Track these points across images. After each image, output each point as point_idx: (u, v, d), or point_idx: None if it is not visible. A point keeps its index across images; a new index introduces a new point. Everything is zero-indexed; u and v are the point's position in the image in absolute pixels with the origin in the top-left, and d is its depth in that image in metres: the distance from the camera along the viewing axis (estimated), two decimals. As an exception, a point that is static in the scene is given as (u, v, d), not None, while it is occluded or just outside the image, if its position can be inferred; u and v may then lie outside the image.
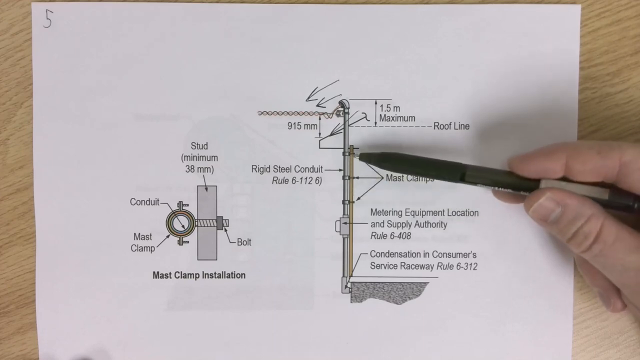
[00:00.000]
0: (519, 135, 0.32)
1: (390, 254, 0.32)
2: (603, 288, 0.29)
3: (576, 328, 0.32)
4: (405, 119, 0.32)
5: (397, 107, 0.32)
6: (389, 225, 0.32)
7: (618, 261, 0.26)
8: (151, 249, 0.32)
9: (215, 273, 0.32)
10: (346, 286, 0.32)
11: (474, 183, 0.29)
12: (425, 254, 0.32)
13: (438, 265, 0.32)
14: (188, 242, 0.32)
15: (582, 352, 0.32)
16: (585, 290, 0.32)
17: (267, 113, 0.32)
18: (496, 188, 0.29)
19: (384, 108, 0.32)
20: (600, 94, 0.32)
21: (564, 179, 0.27)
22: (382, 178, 0.32)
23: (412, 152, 0.32)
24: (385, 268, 0.32)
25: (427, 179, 0.32)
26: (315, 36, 0.32)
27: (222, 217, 0.32)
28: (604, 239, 0.26)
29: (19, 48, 0.32)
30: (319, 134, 0.32)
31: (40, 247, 0.32)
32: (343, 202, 0.32)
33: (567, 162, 0.27)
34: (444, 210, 0.32)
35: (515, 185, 0.28)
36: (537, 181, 0.28)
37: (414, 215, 0.32)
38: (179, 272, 0.32)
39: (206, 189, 0.32)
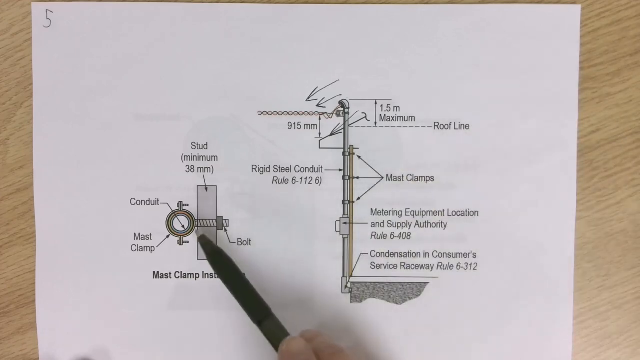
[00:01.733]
0: (519, 135, 0.32)
1: (390, 254, 0.32)
2: None
3: (576, 328, 0.32)
4: (405, 119, 0.32)
5: (397, 107, 0.32)
6: (389, 225, 0.32)
7: None
8: (151, 249, 0.32)
9: (215, 273, 0.32)
10: (346, 286, 0.32)
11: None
12: (425, 254, 0.32)
13: (438, 265, 0.32)
14: (188, 242, 0.32)
15: (582, 352, 0.32)
16: (585, 290, 0.32)
17: (267, 113, 0.32)
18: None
19: (384, 108, 0.32)
20: (600, 94, 0.32)
21: None
22: (382, 178, 0.32)
23: (412, 151, 0.32)
24: (385, 268, 0.32)
25: (426, 181, 0.32)
26: (315, 36, 0.32)
27: (222, 217, 0.32)
28: None
29: (19, 48, 0.32)
30: (319, 134, 0.32)
31: (40, 247, 0.32)
32: (343, 202, 0.32)
33: None
34: (444, 210, 0.32)
35: None
36: None
37: (414, 215, 0.32)
38: (179, 272, 0.32)
39: (206, 189, 0.32)
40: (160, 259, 0.32)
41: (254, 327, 0.29)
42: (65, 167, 0.32)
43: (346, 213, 0.32)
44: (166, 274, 0.32)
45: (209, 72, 0.32)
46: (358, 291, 0.32)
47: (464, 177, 0.32)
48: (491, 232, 0.32)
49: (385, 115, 0.32)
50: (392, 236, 0.32)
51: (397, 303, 0.32)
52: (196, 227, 0.32)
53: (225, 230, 0.32)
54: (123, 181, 0.32)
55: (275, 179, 0.32)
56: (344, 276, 0.32)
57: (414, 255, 0.32)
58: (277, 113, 0.32)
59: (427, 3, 0.32)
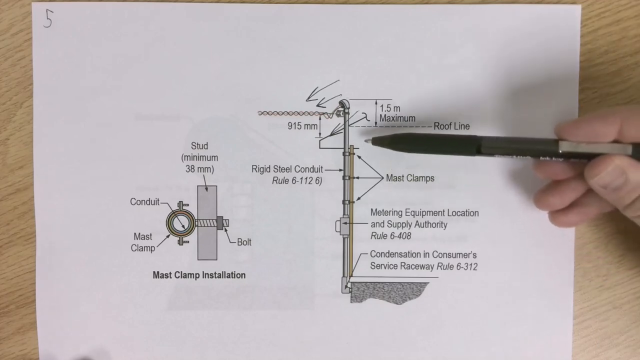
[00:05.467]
0: (519, 135, 0.32)
1: (390, 254, 0.32)
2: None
3: (576, 328, 0.32)
4: (405, 119, 0.32)
5: (397, 107, 0.32)
6: (389, 225, 0.32)
7: None
8: (151, 249, 0.32)
9: (215, 273, 0.32)
10: (346, 286, 0.32)
11: (491, 154, 0.28)
12: (425, 254, 0.32)
13: (438, 265, 0.32)
14: (188, 242, 0.32)
15: (582, 352, 0.32)
16: (585, 290, 0.32)
17: (267, 113, 0.32)
18: (514, 157, 0.28)
19: (384, 108, 0.32)
20: (600, 94, 0.32)
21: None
22: (382, 178, 0.32)
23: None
24: (385, 268, 0.32)
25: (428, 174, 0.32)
26: (315, 36, 0.32)
27: (222, 217, 0.32)
28: None
29: (19, 48, 0.32)
30: (319, 134, 0.32)
31: (40, 247, 0.32)
32: (343, 202, 0.32)
33: (622, 126, 0.26)
34: (444, 210, 0.32)
35: (536, 151, 0.27)
36: (556, 144, 0.27)
37: (414, 215, 0.32)
38: (179, 272, 0.32)
39: (206, 189, 0.32)
40: (160, 259, 0.32)
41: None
42: (65, 167, 0.32)
43: (346, 213, 0.32)
44: (166, 274, 0.32)
45: (209, 72, 0.32)
46: (358, 291, 0.32)
47: (464, 177, 0.32)
48: (491, 232, 0.32)
49: (385, 115, 0.32)
50: (392, 236, 0.32)
51: (397, 303, 0.32)
52: None
53: (225, 230, 0.32)
54: (123, 181, 0.32)
55: (275, 179, 0.32)
56: (344, 276, 0.32)
57: (414, 255, 0.32)
58: (277, 113, 0.32)
59: (427, 3, 0.32)
